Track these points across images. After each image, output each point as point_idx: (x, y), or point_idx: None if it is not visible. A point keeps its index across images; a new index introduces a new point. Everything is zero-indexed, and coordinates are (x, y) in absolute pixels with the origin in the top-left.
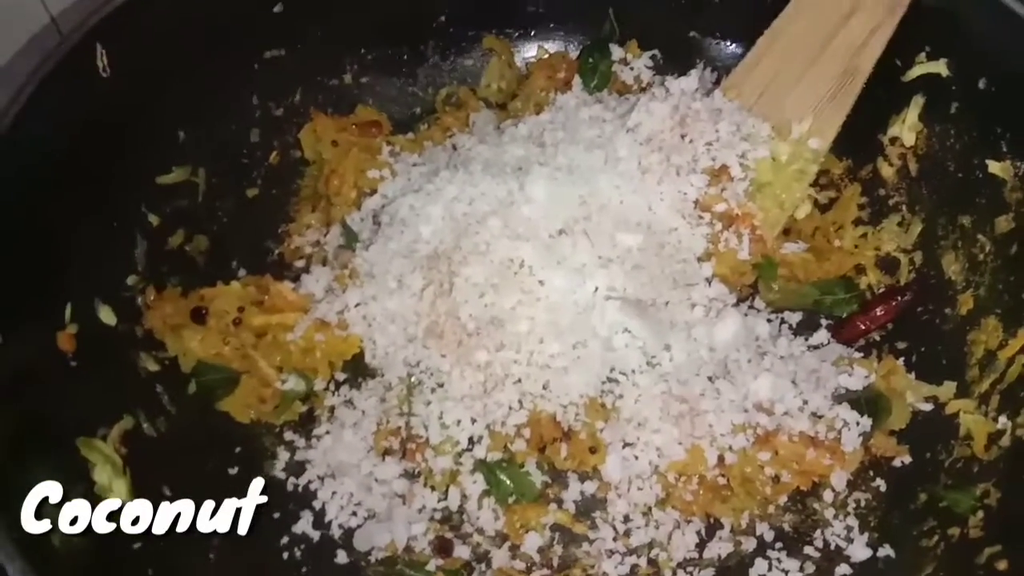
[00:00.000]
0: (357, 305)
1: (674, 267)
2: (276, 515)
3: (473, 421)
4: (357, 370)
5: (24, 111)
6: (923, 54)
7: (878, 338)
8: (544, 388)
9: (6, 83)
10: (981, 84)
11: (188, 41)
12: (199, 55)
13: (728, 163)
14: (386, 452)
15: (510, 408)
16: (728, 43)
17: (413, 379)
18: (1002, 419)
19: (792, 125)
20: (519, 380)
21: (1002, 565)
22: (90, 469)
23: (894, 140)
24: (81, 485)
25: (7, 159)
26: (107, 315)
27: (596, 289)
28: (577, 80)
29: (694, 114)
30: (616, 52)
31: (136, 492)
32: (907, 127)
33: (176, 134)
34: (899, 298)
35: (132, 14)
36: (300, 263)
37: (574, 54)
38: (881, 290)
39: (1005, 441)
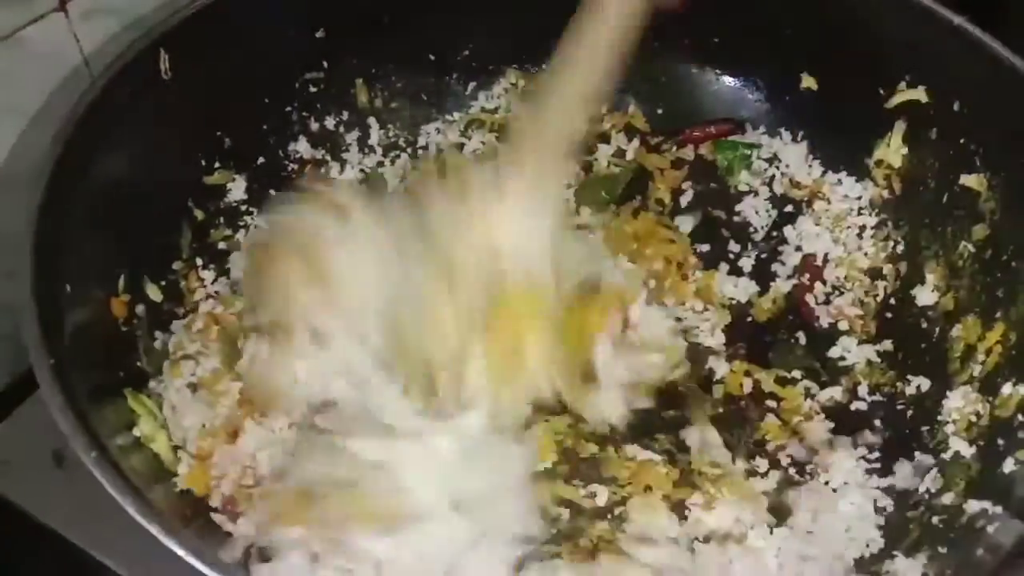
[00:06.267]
0: None
1: None
2: None
3: None
4: None
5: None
6: (903, 83)
7: (865, 338)
8: None
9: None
10: (956, 107)
11: (241, 56)
12: (250, 70)
13: None
14: None
15: None
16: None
17: None
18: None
19: None
20: None
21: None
22: (135, 419)
23: (880, 162)
24: (127, 432)
25: (91, 134)
26: (154, 292)
27: None
28: None
29: None
30: None
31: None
32: (892, 150)
33: (223, 140)
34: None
35: (192, 28)
36: None
37: None
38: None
39: (984, 421)
